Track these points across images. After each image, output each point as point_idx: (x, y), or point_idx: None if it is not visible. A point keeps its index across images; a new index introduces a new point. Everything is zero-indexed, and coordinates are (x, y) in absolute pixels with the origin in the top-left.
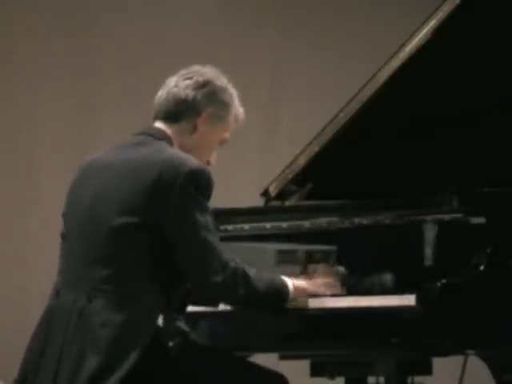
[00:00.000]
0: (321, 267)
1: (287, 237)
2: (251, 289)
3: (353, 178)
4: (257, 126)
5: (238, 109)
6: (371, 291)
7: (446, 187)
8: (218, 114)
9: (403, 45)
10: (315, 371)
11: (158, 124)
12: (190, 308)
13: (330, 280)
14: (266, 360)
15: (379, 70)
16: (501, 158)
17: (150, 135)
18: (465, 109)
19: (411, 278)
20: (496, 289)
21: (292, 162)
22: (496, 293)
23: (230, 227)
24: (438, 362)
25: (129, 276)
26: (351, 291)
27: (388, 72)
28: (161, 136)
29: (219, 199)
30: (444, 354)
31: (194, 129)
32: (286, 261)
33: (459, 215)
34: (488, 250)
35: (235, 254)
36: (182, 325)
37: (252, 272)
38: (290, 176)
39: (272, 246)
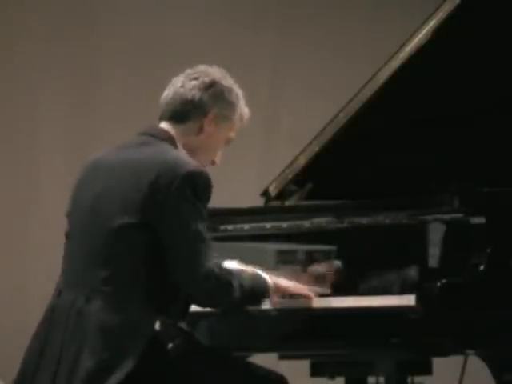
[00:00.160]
0: (321, 265)
1: (287, 237)
2: (232, 296)
3: (353, 178)
4: (257, 126)
5: (243, 108)
6: (371, 291)
7: (446, 187)
8: (224, 114)
9: (403, 45)
10: (315, 371)
11: (163, 124)
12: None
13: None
14: (265, 360)
15: (379, 70)
16: (501, 158)
17: (153, 135)
18: (465, 109)
19: (411, 278)
20: (496, 289)
21: (292, 162)
22: (496, 293)
23: (230, 227)
24: (438, 362)
25: (127, 277)
26: (351, 291)
27: (388, 72)
28: (164, 136)
29: (219, 199)
30: (444, 353)
31: (200, 129)
32: (286, 261)
33: (459, 215)
34: (488, 250)
35: (235, 254)
36: (183, 326)
37: (235, 278)
38: (289, 176)
39: (272, 246)
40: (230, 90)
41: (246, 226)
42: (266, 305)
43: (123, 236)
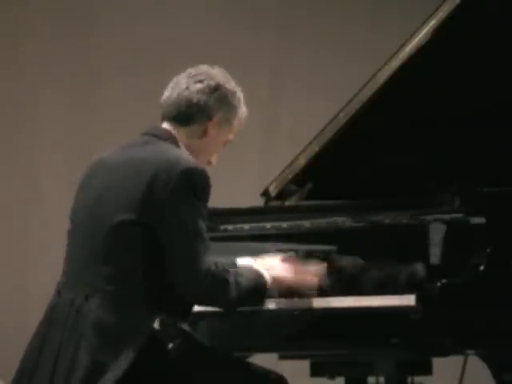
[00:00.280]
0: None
1: (287, 237)
2: (229, 294)
3: (353, 178)
4: (257, 126)
5: (243, 111)
6: (371, 291)
7: (446, 187)
8: (227, 118)
9: (403, 45)
10: (315, 371)
11: (166, 125)
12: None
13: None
14: (265, 360)
15: (379, 70)
16: (501, 158)
17: (155, 136)
18: (465, 109)
19: (411, 278)
20: (496, 289)
21: (292, 162)
22: (496, 293)
23: (230, 227)
24: (438, 362)
25: (126, 275)
26: (351, 291)
27: (388, 72)
28: (166, 136)
29: (219, 199)
30: (444, 353)
31: (204, 133)
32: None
33: (459, 215)
34: (488, 250)
35: (235, 254)
36: (183, 326)
37: (232, 276)
38: (289, 176)
39: (272, 246)
40: (234, 94)
41: (246, 226)
42: (272, 305)
43: (122, 233)
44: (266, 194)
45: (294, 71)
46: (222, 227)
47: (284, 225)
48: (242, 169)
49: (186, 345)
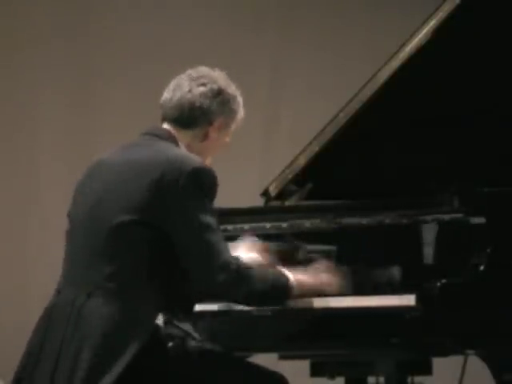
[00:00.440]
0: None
1: (287, 237)
2: (253, 287)
3: (353, 178)
4: (257, 126)
5: (241, 114)
6: (371, 291)
7: (446, 187)
8: (227, 122)
9: (403, 45)
10: (315, 371)
11: (166, 126)
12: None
13: (334, 276)
14: (265, 360)
15: (379, 70)
16: (501, 158)
17: (156, 135)
18: (465, 109)
19: (411, 278)
20: (496, 289)
21: (292, 162)
22: (496, 293)
23: (229, 227)
24: (438, 362)
25: (129, 274)
26: (351, 291)
27: (388, 72)
28: (166, 136)
29: (219, 199)
30: (444, 353)
31: (205, 136)
32: (286, 261)
33: (459, 215)
34: (488, 250)
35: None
36: (185, 326)
37: (255, 270)
38: (289, 176)
39: (272, 246)
40: (235, 99)
41: (246, 226)
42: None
43: (125, 233)
44: (266, 193)
45: (293, 71)
46: (222, 227)
47: (284, 225)
48: (242, 169)
49: (187, 344)
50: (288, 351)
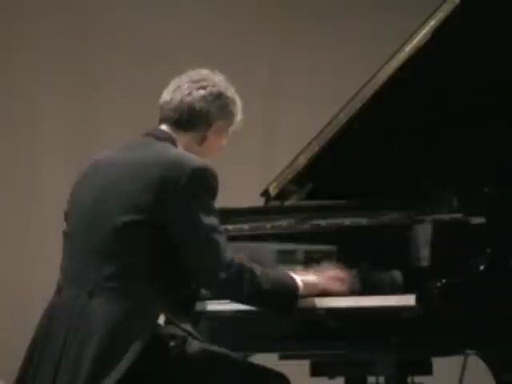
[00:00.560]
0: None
1: (287, 237)
2: (257, 286)
3: (353, 178)
4: (257, 126)
5: (239, 118)
6: (371, 291)
7: (445, 187)
8: (225, 126)
9: (403, 45)
10: (315, 371)
11: (165, 127)
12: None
13: (340, 275)
14: (265, 360)
15: (379, 70)
16: (501, 158)
17: (154, 136)
18: (465, 109)
19: (411, 278)
20: (496, 289)
21: (292, 162)
22: (496, 293)
23: (229, 227)
24: (438, 362)
25: (130, 274)
26: (351, 291)
27: (388, 72)
28: (165, 137)
29: (219, 199)
30: (444, 354)
31: (203, 139)
32: (285, 261)
33: (459, 215)
34: (488, 250)
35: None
36: (186, 326)
37: (259, 270)
38: (289, 176)
39: (272, 246)
40: (233, 102)
41: (246, 226)
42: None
43: (126, 233)
44: (266, 193)
45: (293, 71)
46: (222, 227)
47: (284, 225)
48: (243, 169)
49: (188, 344)
50: (288, 351)
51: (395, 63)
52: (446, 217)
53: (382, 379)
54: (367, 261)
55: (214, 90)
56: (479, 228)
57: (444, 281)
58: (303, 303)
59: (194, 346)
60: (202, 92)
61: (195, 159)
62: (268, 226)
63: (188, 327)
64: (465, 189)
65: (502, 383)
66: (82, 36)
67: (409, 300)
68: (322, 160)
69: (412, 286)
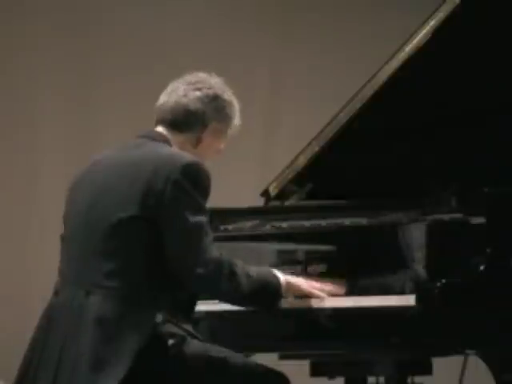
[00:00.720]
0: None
1: (287, 237)
2: (236, 283)
3: (353, 178)
4: (257, 126)
5: (237, 121)
6: (371, 291)
7: (445, 187)
8: (221, 128)
9: (403, 45)
10: (315, 371)
11: (160, 129)
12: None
13: (328, 284)
14: (265, 360)
15: (379, 69)
16: (501, 158)
17: (150, 137)
18: (465, 109)
19: (411, 278)
20: (496, 289)
21: (292, 162)
22: (496, 293)
23: (229, 227)
24: (438, 362)
25: (127, 272)
26: (351, 291)
27: (388, 72)
28: (160, 138)
29: (219, 199)
30: (444, 353)
31: (198, 141)
32: (285, 261)
33: (459, 215)
34: (488, 250)
35: (235, 254)
36: (186, 325)
37: (240, 267)
38: (289, 176)
39: (272, 246)
40: (230, 104)
41: (246, 226)
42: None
43: (123, 231)
44: (266, 193)
45: (293, 71)
46: (222, 227)
47: (284, 225)
48: (243, 169)
49: (187, 343)
50: (288, 351)
51: (395, 63)
52: (445, 217)
53: (382, 379)
54: (362, 262)
55: (210, 92)
56: (479, 228)
57: (444, 281)
58: (303, 303)
59: (194, 345)
60: (197, 93)
61: (188, 156)
62: (268, 226)
63: (187, 326)
64: (465, 189)
65: (502, 383)
66: (82, 36)
67: (409, 300)
68: (322, 160)
69: (412, 286)
